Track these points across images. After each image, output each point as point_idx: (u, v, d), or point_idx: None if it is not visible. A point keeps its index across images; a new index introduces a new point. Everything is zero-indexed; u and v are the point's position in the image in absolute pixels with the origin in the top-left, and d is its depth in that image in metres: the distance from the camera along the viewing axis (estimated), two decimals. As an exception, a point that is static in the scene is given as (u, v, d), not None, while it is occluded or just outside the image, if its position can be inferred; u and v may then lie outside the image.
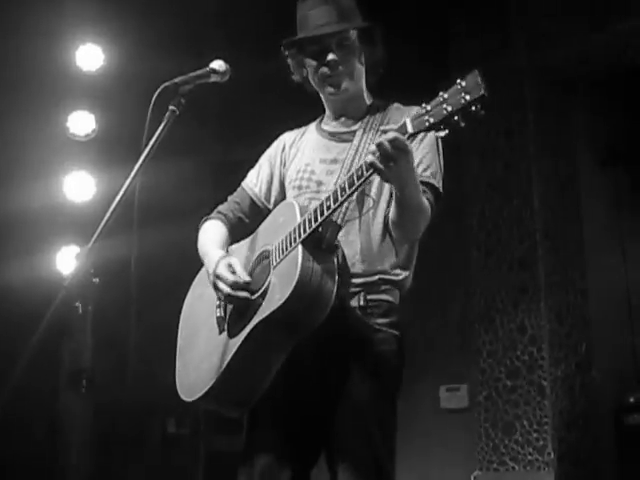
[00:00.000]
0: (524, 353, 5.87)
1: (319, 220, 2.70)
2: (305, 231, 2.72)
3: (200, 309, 3.09)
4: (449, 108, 2.41)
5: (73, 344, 5.59)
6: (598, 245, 6.51)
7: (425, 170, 2.88)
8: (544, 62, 6.25)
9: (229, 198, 3.27)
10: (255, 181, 3.24)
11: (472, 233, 6.27)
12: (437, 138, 2.90)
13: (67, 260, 5.75)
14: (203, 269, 3.14)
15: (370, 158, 2.53)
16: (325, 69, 3.00)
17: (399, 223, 2.81)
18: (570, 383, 5.92)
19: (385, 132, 2.52)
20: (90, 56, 5.89)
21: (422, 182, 2.80)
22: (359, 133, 3.01)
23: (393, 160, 2.50)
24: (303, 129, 3.25)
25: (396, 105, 3.09)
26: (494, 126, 6.29)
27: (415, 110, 2.52)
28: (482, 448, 5.95)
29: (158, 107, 2.76)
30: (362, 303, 2.83)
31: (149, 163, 2.70)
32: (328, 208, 2.68)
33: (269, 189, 3.21)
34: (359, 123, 3.06)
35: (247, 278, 2.83)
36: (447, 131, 2.47)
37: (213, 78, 2.97)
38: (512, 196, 6.12)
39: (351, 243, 2.86)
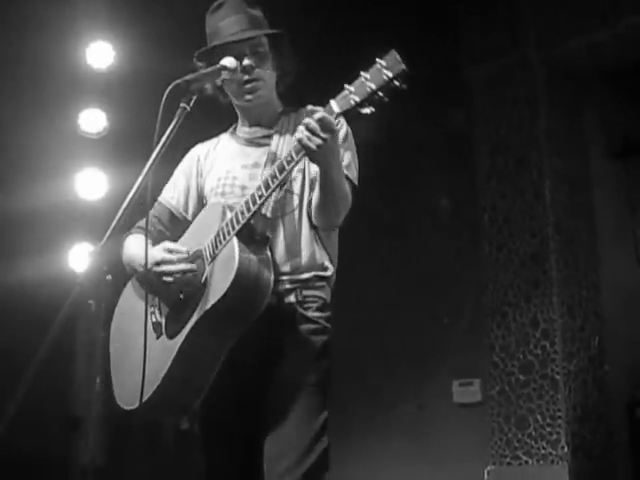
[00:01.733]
0: (537, 347, 5.87)
1: (252, 209, 2.78)
2: (238, 222, 2.79)
3: (130, 322, 3.08)
4: (372, 86, 2.52)
5: (86, 341, 5.60)
6: (610, 238, 6.50)
7: (346, 167, 2.94)
8: (555, 56, 6.25)
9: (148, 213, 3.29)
10: (172, 194, 3.26)
11: (484, 228, 6.27)
12: (346, 137, 3.00)
13: (80, 257, 5.77)
14: (127, 287, 3.19)
15: (299, 135, 2.61)
16: (242, 75, 3.03)
17: (322, 207, 2.86)
18: (583, 377, 5.92)
19: (313, 113, 2.60)
20: (101, 53, 5.90)
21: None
22: (276, 136, 3.08)
23: (321, 138, 2.58)
24: (215, 140, 3.30)
25: (310, 107, 3.06)
26: (505, 121, 6.29)
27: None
28: (495, 442, 5.95)
29: (169, 104, 2.76)
30: (299, 298, 2.91)
31: (161, 160, 2.71)
32: (260, 197, 2.77)
33: (186, 200, 3.23)
34: (275, 127, 3.12)
35: (184, 248, 2.91)
36: (372, 108, 2.57)
37: (224, 75, 2.99)
38: (524, 191, 6.11)
39: (280, 241, 2.93)
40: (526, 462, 5.78)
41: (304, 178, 2.97)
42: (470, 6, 6.46)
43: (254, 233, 2.82)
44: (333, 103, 2.60)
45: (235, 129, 3.25)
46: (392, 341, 6.47)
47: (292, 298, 2.90)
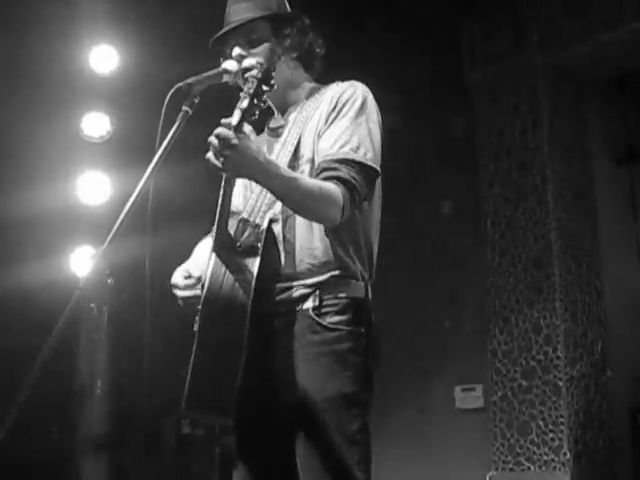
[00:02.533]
0: (539, 353, 5.86)
1: (215, 225, 2.65)
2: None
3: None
4: (250, 91, 2.48)
5: (88, 345, 5.60)
6: (613, 244, 6.49)
7: (343, 146, 2.75)
8: (557, 62, 6.24)
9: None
10: (236, 192, 3.22)
11: (487, 233, 6.26)
12: (361, 110, 2.81)
13: (81, 261, 5.76)
14: None
15: (207, 155, 2.50)
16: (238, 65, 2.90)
17: (300, 214, 2.73)
18: (586, 383, 5.91)
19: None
20: (104, 57, 5.89)
21: (337, 160, 2.71)
22: (288, 126, 2.95)
23: (223, 155, 2.46)
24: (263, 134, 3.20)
25: (334, 84, 2.97)
26: (508, 126, 6.28)
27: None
28: (497, 448, 5.94)
29: (171, 108, 2.75)
30: (316, 303, 2.72)
31: (163, 164, 2.70)
32: (220, 209, 2.66)
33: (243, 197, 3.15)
34: (293, 115, 2.99)
35: (197, 274, 2.79)
36: (256, 116, 2.51)
37: (226, 78, 2.97)
38: (527, 196, 6.11)
39: (293, 241, 2.79)
40: (528, 468, 5.77)
41: (311, 169, 2.79)
42: (472, 11, 6.46)
43: (234, 243, 2.67)
44: (235, 113, 2.49)
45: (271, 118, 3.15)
46: (394, 346, 6.46)
47: (309, 304, 2.73)
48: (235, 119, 2.48)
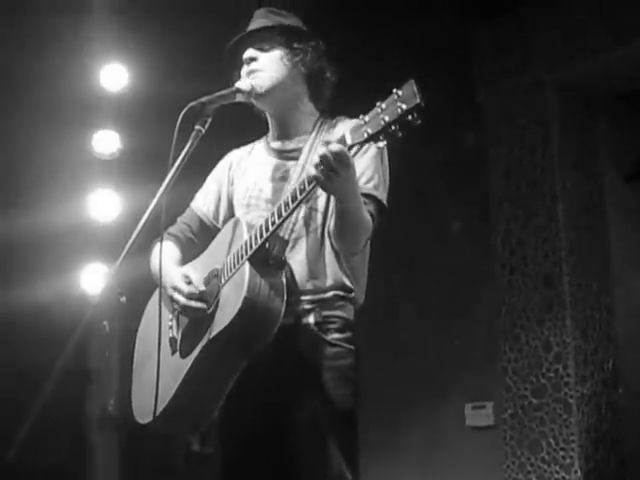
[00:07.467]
0: (550, 370, 5.84)
1: (264, 236, 2.71)
2: (251, 247, 2.73)
3: (152, 332, 3.04)
4: (386, 118, 2.39)
5: (100, 362, 5.60)
6: (624, 261, 6.47)
7: (367, 182, 2.88)
8: (567, 78, 6.24)
9: (178, 220, 3.25)
10: (203, 201, 3.24)
11: (496, 251, 6.25)
12: (381, 150, 2.90)
13: (92, 279, 5.76)
14: (156, 291, 3.16)
15: (313, 170, 2.54)
16: (246, 68, 3.03)
17: (339, 235, 2.81)
18: (596, 401, 5.88)
19: (328, 144, 2.53)
20: (115, 75, 5.91)
21: (364, 194, 2.81)
22: (305, 150, 3.01)
23: (335, 172, 2.51)
24: (250, 147, 3.26)
25: (343, 118, 3.07)
26: (517, 143, 6.28)
27: (354, 122, 2.53)
28: (508, 466, 5.91)
29: (183, 126, 2.77)
30: (318, 319, 2.84)
31: (175, 182, 2.71)
32: (273, 224, 2.70)
33: (217, 208, 3.21)
34: (305, 139, 3.05)
35: (202, 287, 2.86)
36: (386, 142, 2.47)
37: (239, 97, 2.99)
38: (537, 213, 6.09)
39: (302, 260, 2.87)
40: (539, 486, 5.75)
41: (330, 198, 2.87)
42: (482, 30, 6.47)
43: (269, 257, 2.76)
44: (347, 134, 2.51)
45: (267, 138, 3.21)
46: (404, 363, 6.45)
47: (311, 319, 2.84)
48: (351, 138, 2.50)
